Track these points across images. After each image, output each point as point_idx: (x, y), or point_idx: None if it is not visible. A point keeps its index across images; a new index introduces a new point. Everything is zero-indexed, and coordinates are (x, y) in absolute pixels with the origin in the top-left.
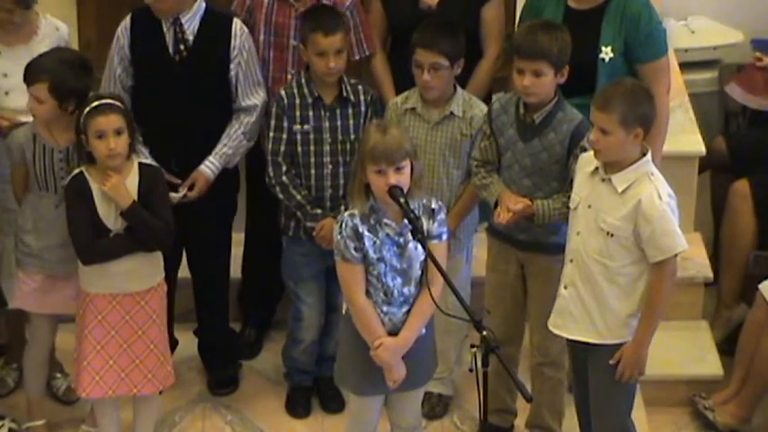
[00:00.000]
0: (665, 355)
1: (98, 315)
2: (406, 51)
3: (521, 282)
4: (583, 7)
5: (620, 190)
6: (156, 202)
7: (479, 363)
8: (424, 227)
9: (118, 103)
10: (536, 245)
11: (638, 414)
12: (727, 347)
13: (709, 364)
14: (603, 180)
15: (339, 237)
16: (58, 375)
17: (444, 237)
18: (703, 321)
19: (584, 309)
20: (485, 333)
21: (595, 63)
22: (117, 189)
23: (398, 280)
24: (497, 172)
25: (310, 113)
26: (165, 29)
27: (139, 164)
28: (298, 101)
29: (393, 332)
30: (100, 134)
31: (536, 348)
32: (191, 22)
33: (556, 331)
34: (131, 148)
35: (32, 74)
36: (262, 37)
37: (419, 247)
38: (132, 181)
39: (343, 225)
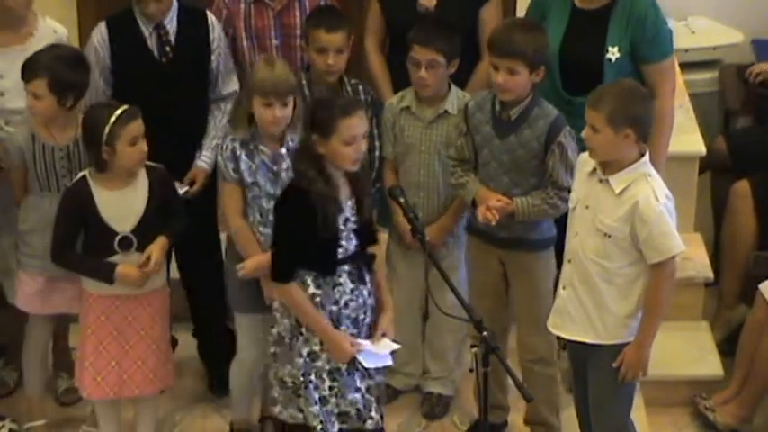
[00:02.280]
0: (665, 356)
1: (101, 316)
2: (405, 53)
3: (502, 279)
4: (589, 7)
5: (617, 191)
6: (171, 204)
7: (480, 363)
8: None
9: (134, 107)
10: (516, 242)
11: (639, 414)
12: (727, 348)
13: (709, 364)
14: (601, 181)
15: (220, 158)
16: (64, 375)
17: None
18: (704, 322)
19: (583, 309)
20: (485, 333)
21: (602, 63)
22: (155, 267)
23: (272, 203)
24: (474, 170)
25: None
26: (146, 33)
27: (146, 166)
28: None
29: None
30: (134, 140)
31: (523, 346)
32: (171, 23)
33: (555, 331)
34: None
35: (30, 70)
36: (245, 43)
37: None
38: (142, 183)
39: (224, 147)
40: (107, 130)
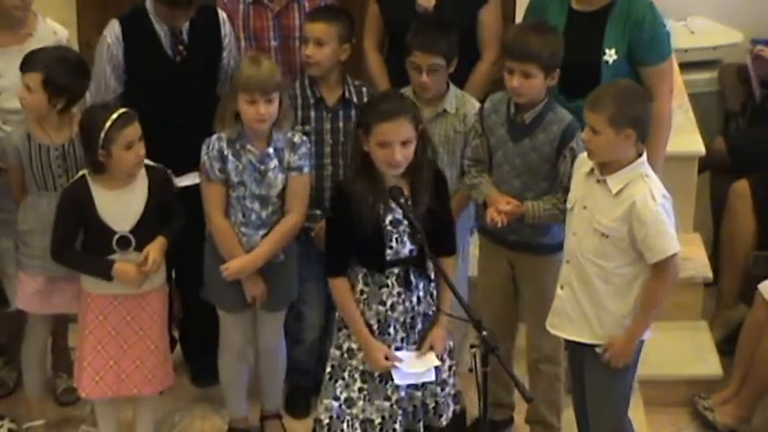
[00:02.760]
0: (664, 356)
1: (99, 315)
2: (403, 52)
3: (511, 281)
4: (587, 9)
5: (614, 191)
6: (170, 203)
7: (479, 363)
8: (286, 159)
9: (131, 110)
10: (526, 245)
11: (638, 414)
12: (726, 347)
13: (708, 364)
14: (599, 181)
15: (206, 157)
16: (63, 375)
17: (305, 170)
18: (703, 321)
19: (580, 309)
20: (484, 333)
21: (599, 65)
22: (153, 267)
23: (257, 204)
24: (489, 171)
25: (311, 114)
26: (160, 32)
27: (145, 165)
28: (299, 102)
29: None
30: (129, 144)
31: (530, 345)
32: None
33: (553, 331)
34: None
35: (28, 63)
36: (243, 44)
37: (279, 175)
38: (142, 183)
39: (210, 146)
40: (103, 134)
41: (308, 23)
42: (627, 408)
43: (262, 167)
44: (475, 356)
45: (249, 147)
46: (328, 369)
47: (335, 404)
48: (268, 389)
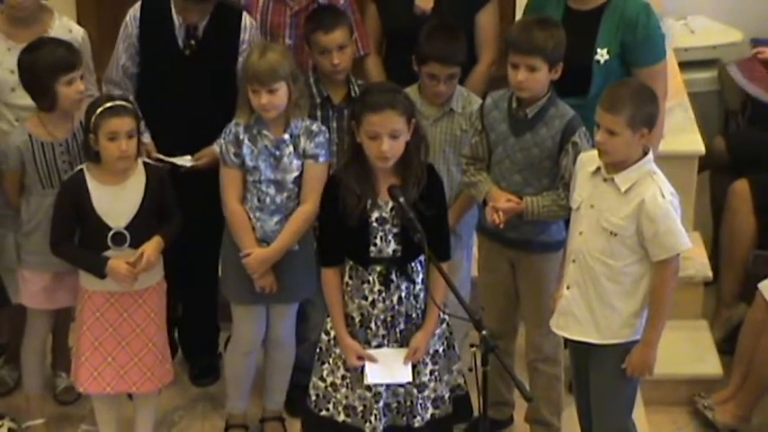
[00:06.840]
0: (664, 355)
1: (96, 312)
2: (401, 54)
3: (512, 279)
4: (582, 8)
5: (623, 189)
6: (167, 202)
7: (479, 362)
8: (301, 145)
9: (130, 105)
10: (525, 243)
11: (638, 413)
12: (726, 347)
13: (708, 363)
14: (606, 180)
15: (222, 142)
16: (63, 374)
17: (321, 159)
18: (703, 321)
19: (587, 309)
20: (484, 332)
21: (590, 64)
22: (147, 266)
23: (272, 189)
24: (487, 169)
25: (318, 113)
26: (176, 21)
27: (144, 163)
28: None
29: (263, 239)
30: (112, 136)
31: (529, 345)
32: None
33: (558, 332)
34: (139, 150)
35: (69, 66)
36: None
37: (294, 161)
38: (139, 180)
39: (228, 131)
40: (93, 119)
41: (324, 35)
42: (632, 409)
43: (277, 153)
44: (474, 355)
45: (265, 132)
46: (317, 350)
47: (322, 385)
48: (272, 385)
